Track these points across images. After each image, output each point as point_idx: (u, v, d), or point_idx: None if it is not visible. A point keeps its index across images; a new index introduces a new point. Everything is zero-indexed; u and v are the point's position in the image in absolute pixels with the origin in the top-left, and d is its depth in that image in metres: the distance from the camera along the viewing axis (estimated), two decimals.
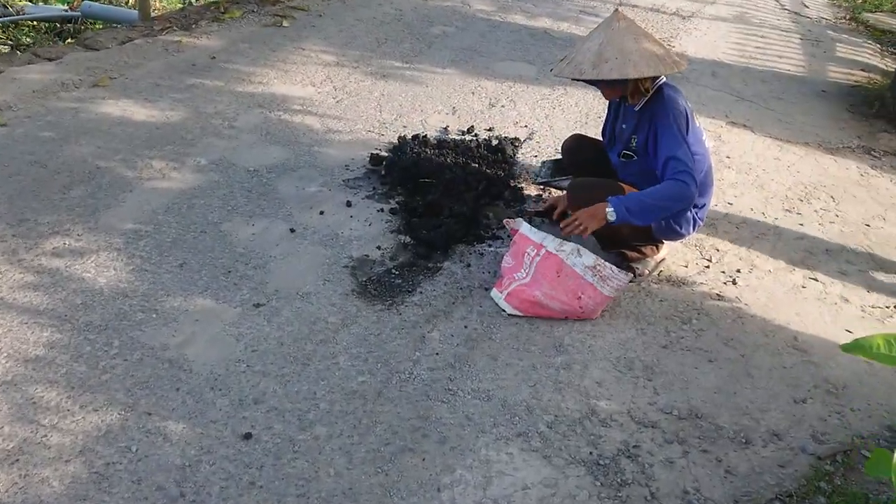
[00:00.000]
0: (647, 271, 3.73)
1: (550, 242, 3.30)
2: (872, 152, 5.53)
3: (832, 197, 4.77)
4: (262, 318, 3.20)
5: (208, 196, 4.05)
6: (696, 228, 3.69)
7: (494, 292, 3.47)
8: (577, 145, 3.88)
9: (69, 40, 6.89)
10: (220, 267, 3.49)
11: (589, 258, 3.27)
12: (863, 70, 7.18)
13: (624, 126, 3.50)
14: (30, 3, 8.24)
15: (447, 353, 3.13)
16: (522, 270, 3.37)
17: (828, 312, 3.65)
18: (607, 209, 3.20)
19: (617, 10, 3.30)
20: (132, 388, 2.81)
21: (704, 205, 3.65)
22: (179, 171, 4.25)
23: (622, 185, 3.49)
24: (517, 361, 3.13)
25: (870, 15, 8.95)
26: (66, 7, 8.26)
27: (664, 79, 3.36)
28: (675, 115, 3.22)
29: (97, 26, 7.82)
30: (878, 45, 8.16)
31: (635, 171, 3.51)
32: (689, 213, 3.53)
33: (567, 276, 3.26)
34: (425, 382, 2.95)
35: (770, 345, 3.39)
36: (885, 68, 7.24)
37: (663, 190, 3.16)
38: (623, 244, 3.63)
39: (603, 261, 3.27)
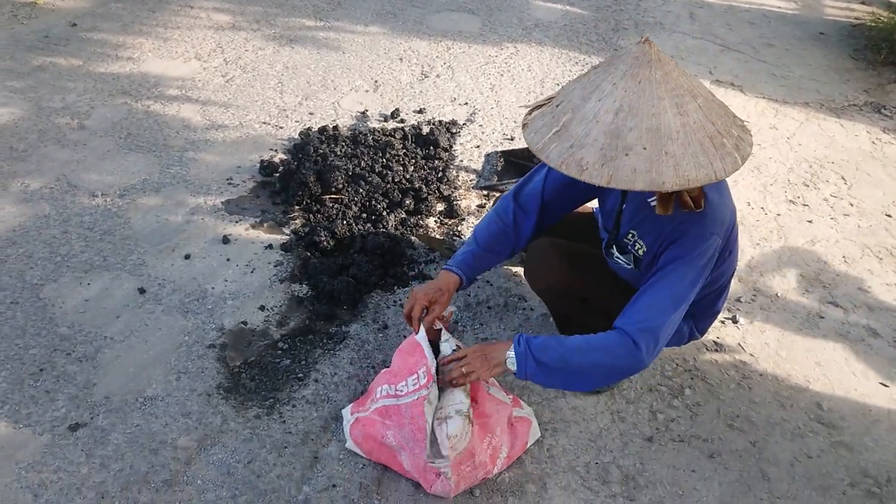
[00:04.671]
0: None
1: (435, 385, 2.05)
2: (883, 110, 4.64)
3: (843, 178, 3.87)
4: (79, 449, 2.23)
5: (31, 241, 3.00)
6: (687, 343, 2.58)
7: (347, 411, 2.37)
8: (562, 276, 2.37)
9: None
10: (29, 362, 2.49)
11: (455, 426, 2.03)
12: (863, 2, 6.18)
13: (625, 206, 2.20)
14: None
15: (349, 481, 2.21)
16: (402, 384, 2.14)
17: (855, 356, 2.82)
18: (507, 354, 2.01)
19: (647, 41, 1.81)
20: None
21: (716, 312, 2.51)
22: None
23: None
24: (448, 485, 2.20)
25: None
26: None
27: None
28: (707, 249, 1.99)
29: None
30: None
31: (623, 274, 2.35)
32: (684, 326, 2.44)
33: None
34: None
35: (788, 421, 2.54)
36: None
37: (599, 348, 1.96)
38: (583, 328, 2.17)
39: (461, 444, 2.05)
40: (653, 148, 1.72)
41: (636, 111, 1.73)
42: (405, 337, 2.63)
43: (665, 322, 1.94)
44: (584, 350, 1.96)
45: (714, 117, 1.80)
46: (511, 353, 2.00)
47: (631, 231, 2.16)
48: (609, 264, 2.35)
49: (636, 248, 2.16)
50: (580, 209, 2.50)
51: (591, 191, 2.30)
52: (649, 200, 2.07)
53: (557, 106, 1.86)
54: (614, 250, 2.26)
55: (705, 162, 1.74)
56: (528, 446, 2.35)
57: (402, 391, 2.12)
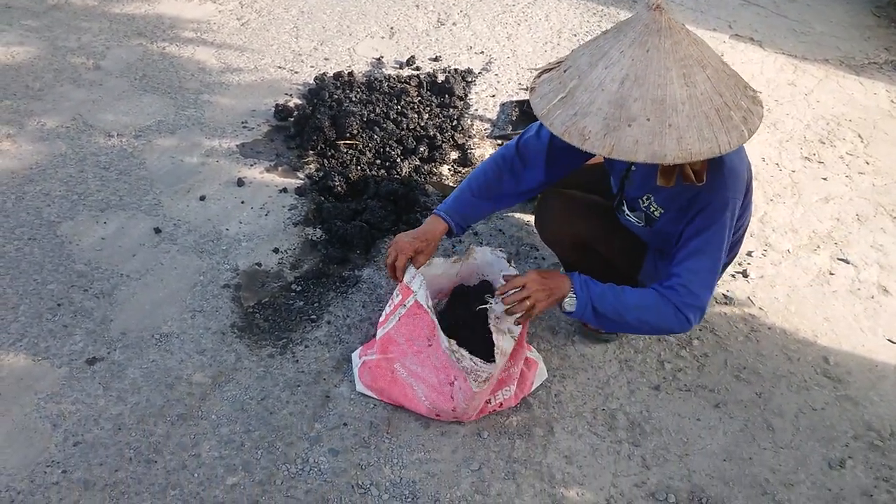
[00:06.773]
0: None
1: (421, 288, 2.09)
2: None
3: (860, 136, 3.83)
4: (97, 382, 2.27)
5: (48, 179, 3.02)
6: None
7: (356, 355, 2.41)
8: (570, 230, 2.38)
9: None
10: (47, 297, 2.53)
11: (508, 344, 2.09)
12: None
13: (634, 169, 2.19)
14: None
15: (360, 420, 2.25)
16: (389, 322, 2.24)
17: (864, 313, 2.82)
18: (568, 295, 2.04)
19: (657, 8, 1.72)
20: None
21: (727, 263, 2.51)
22: (14, 141, 3.20)
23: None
24: (457, 427, 2.25)
25: None
26: None
27: None
28: (730, 214, 1.98)
29: None
30: None
31: (634, 229, 2.32)
32: None
33: (439, 348, 2.10)
34: (325, 477, 2.09)
35: (794, 374, 2.56)
36: None
37: (653, 311, 2.01)
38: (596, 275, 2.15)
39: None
40: (656, 119, 1.68)
41: (642, 81, 1.68)
42: None
43: (709, 294, 2.01)
44: (640, 309, 2.01)
45: (723, 88, 1.75)
46: (572, 296, 2.02)
47: (647, 195, 2.15)
48: (620, 220, 2.34)
49: (651, 209, 2.15)
50: (594, 160, 2.49)
51: None
52: None
53: (565, 71, 1.82)
54: (625, 208, 2.25)
55: (710, 135, 1.69)
56: (533, 387, 2.39)
57: (392, 319, 2.20)
